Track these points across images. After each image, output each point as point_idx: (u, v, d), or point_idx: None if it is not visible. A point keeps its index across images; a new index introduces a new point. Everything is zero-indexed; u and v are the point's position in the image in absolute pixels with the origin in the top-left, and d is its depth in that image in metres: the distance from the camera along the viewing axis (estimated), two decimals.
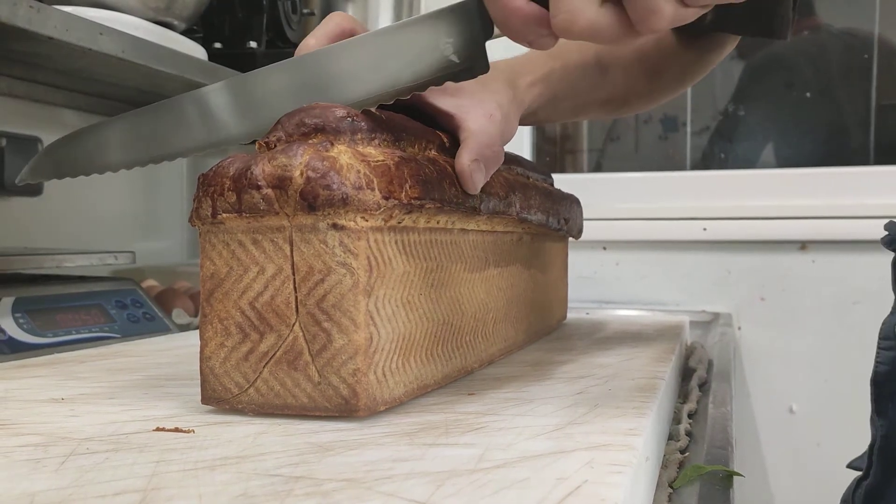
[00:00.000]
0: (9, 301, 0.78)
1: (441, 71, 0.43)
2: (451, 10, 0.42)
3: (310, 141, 0.39)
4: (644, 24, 0.36)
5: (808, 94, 1.49)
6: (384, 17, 1.22)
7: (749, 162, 1.53)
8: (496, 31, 0.41)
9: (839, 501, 0.69)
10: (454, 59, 0.42)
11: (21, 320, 0.77)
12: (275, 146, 0.40)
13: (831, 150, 1.49)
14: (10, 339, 0.74)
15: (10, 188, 0.96)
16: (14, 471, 0.30)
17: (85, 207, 1.11)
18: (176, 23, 0.92)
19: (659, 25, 0.35)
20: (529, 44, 0.39)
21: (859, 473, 0.67)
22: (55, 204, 1.05)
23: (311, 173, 0.37)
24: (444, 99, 0.49)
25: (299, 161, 0.37)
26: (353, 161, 0.37)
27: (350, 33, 0.48)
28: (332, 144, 0.38)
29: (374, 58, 0.43)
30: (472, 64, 0.43)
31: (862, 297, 1.26)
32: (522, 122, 0.60)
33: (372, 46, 0.44)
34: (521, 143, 1.53)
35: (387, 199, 0.38)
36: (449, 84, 0.48)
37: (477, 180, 0.46)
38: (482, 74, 0.43)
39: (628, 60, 0.70)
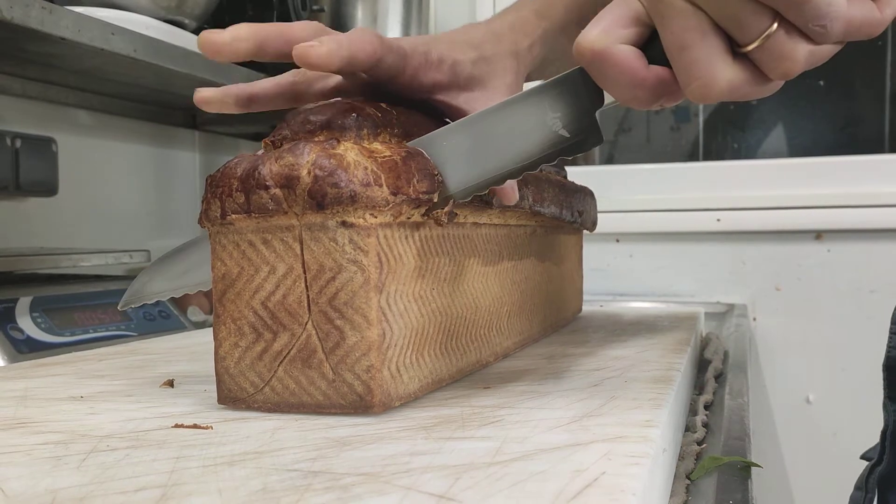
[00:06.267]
0: (26, 301, 0.78)
1: (551, 147, 0.40)
2: (555, 83, 0.40)
3: (316, 139, 0.39)
4: (778, 71, 0.34)
5: (821, 83, 1.48)
6: (393, 15, 1.22)
7: (762, 151, 1.52)
8: (608, 99, 0.39)
9: (853, 488, 0.69)
10: (564, 133, 0.40)
11: (39, 319, 0.78)
12: (281, 145, 0.40)
13: (845, 139, 1.48)
14: (29, 338, 0.75)
15: (25, 188, 0.97)
16: (36, 468, 0.30)
17: (100, 207, 1.12)
18: (187, 21, 0.93)
19: (794, 70, 0.34)
20: (641, 107, 0.38)
21: (873, 460, 0.67)
22: (70, 204, 1.06)
23: (318, 172, 0.36)
24: (454, 93, 0.49)
25: (306, 160, 0.37)
26: (360, 158, 0.37)
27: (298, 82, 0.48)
28: (339, 141, 0.38)
29: (477, 142, 0.41)
30: (584, 137, 0.40)
31: (878, 285, 1.25)
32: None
33: (474, 130, 0.42)
34: None
35: (395, 194, 0.37)
36: (458, 73, 0.48)
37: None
38: (595, 147, 0.41)
39: None
